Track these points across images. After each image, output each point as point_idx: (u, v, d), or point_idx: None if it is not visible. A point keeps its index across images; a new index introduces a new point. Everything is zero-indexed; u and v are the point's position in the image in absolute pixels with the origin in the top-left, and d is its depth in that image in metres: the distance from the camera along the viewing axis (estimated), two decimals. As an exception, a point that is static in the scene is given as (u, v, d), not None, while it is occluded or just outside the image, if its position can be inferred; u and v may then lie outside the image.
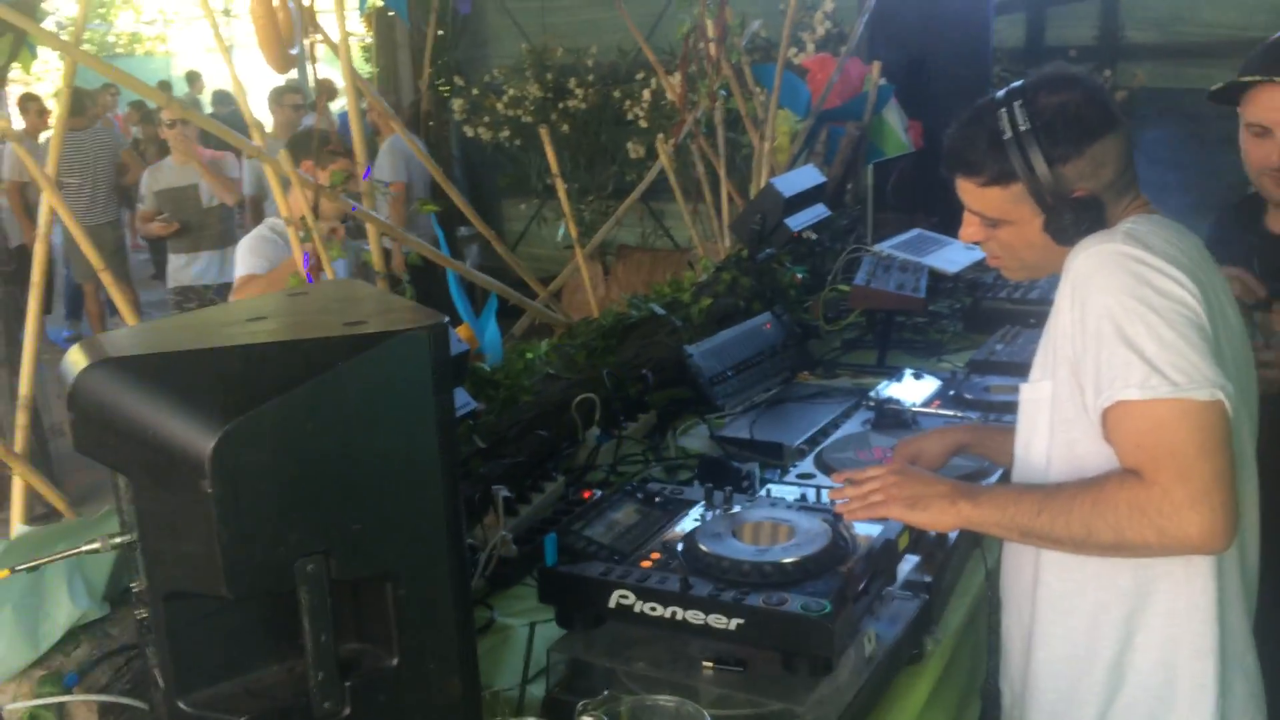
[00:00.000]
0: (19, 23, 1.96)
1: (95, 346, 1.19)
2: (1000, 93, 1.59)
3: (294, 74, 7.27)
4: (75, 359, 1.18)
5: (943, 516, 1.53)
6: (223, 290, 5.79)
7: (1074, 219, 1.53)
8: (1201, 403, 1.36)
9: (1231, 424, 1.39)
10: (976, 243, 1.68)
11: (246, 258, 3.61)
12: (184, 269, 6.08)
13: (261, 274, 3.48)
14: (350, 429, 1.18)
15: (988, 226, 1.63)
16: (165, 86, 14.11)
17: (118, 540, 1.24)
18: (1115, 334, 1.41)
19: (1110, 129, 1.55)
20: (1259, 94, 2.13)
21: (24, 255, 7.76)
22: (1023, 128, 1.53)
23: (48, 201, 1.80)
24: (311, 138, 3.54)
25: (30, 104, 8.47)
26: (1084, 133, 1.54)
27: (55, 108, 7.77)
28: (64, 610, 1.48)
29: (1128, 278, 1.43)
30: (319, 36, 2.22)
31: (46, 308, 6.98)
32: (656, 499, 1.76)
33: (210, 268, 6.12)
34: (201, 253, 6.13)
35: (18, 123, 8.34)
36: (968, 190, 1.62)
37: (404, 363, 1.21)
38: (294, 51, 1.79)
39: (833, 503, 1.64)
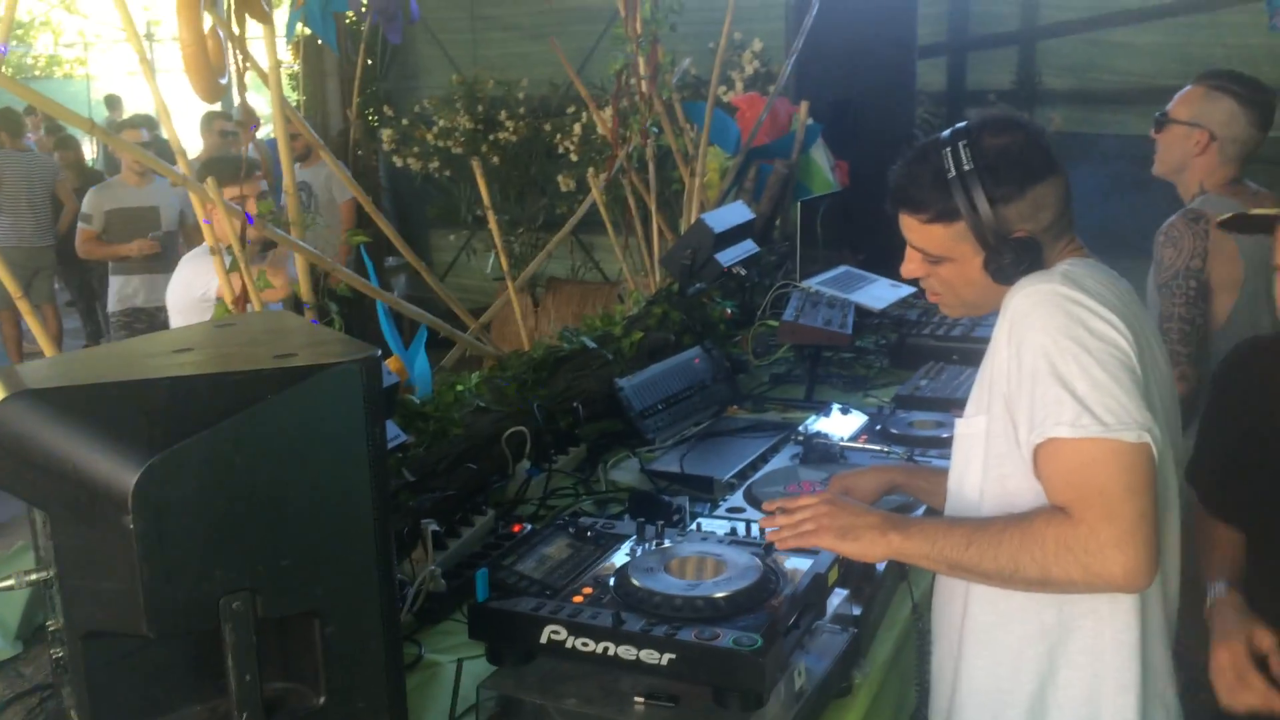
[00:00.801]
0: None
1: (13, 378, 1.16)
2: (946, 132, 1.62)
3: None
4: (-8, 391, 1.15)
5: (873, 547, 1.55)
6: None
7: (1013, 259, 1.57)
8: (1129, 444, 1.40)
9: (1157, 465, 1.42)
10: (917, 278, 1.71)
11: (200, 273, 3.54)
12: (138, 291, 5.87)
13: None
14: (279, 463, 1.17)
15: (929, 263, 1.66)
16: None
17: (33, 577, 1.20)
18: (1049, 372, 1.44)
19: (1050, 173, 1.59)
20: None
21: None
22: (966, 167, 1.56)
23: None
24: (228, 164, 3.49)
25: None
26: (1025, 175, 1.57)
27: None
28: (-27, 650, 1.43)
29: (1064, 318, 1.46)
30: (247, 64, 2.20)
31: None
32: (588, 533, 1.75)
33: (160, 290, 5.95)
34: (157, 275, 5.97)
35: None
36: (911, 226, 1.65)
37: (335, 396, 1.20)
38: (223, 80, 1.78)
39: (764, 532, 1.65)
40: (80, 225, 6.14)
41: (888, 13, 5.30)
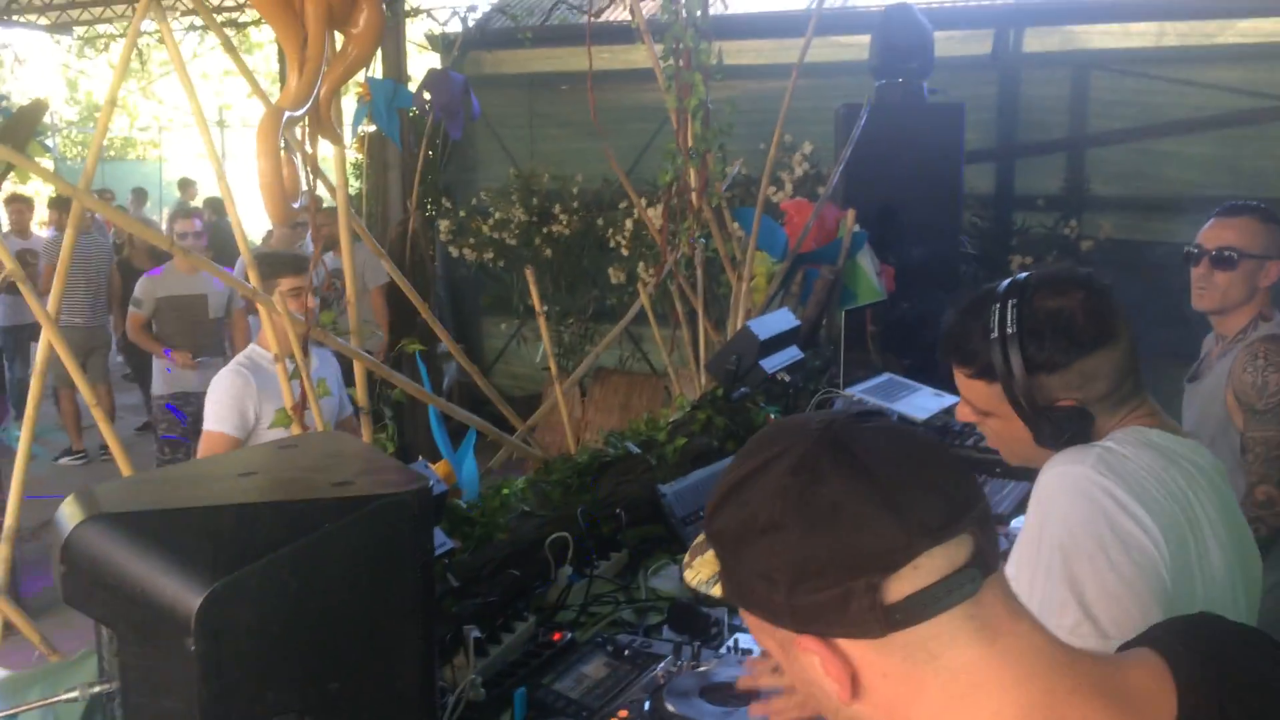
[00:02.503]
0: (17, 162, 2.04)
1: (90, 501, 1.24)
2: (1003, 285, 1.56)
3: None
4: (70, 512, 1.22)
5: None
6: None
7: (1053, 429, 1.50)
8: None
9: None
10: (972, 423, 1.66)
11: (214, 404, 3.53)
12: (179, 376, 6.01)
13: (228, 434, 3.44)
14: (333, 589, 1.22)
15: (977, 414, 1.62)
16: (141, 194, 14.36)
17: (96, 690, 1.26)
18: (1061, 570, 1.37)
19: (1105, 343, 1.49)
20: None
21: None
22: (1010, 330, 1.49)
23: (45, 339, 1.86)
24: (280, 258, 3.57)
25: (14, 203, 8.63)
26: (1072, 344, 1.48)
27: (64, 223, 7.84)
28: (34, 754, 1.48)
29: (1087, 510, 1.38)
30: (317, 178, 2.32)
31: None
32: (625, 651, 1.79)
33: (206, 375, 6.07)
34: (203, 359, 6.13)
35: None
36: (958, 377, 1.62)
37: (388, 524, 1.26)
38: (296, 205, 1.89)
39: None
40: (131, 309, 6.28)
41: (936, 119, 5.42)
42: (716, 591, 0.95)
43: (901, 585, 0.82)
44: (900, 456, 0.87)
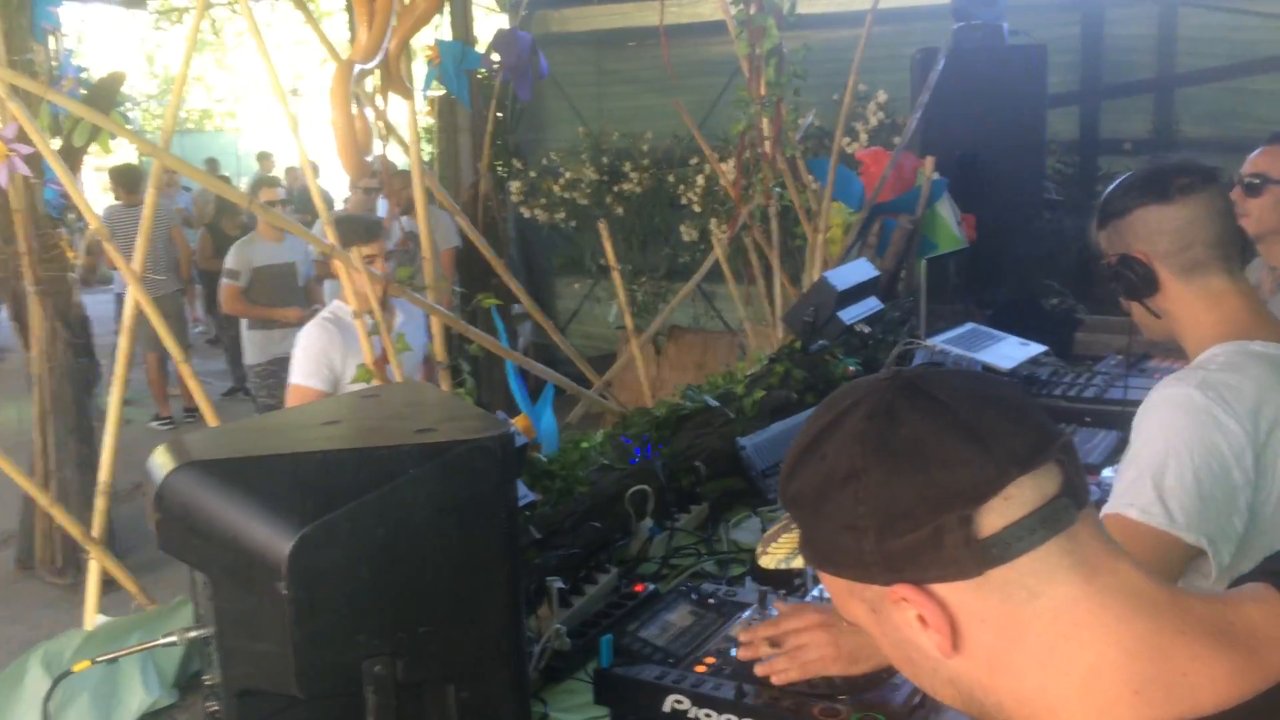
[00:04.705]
0: (103, 124, 2.06)
1: (181, 449, 1.25)
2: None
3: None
4: (161, 460, 1.24)
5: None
6: None
7: (1115, 273, 1.67)
8: (1185, 544, 1.46)
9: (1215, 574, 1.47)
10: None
11: (301, 357, 3.57)
12: (278, 343, 6.08)
13: (314, 387, 3.45)
14: (419, 534, 1.23)
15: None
16: (213, 164, 14.43)
17: (193, 635, 1.29)
18: (1149, 460, 1.52)
19: (1158, 199, 1.63)
20: None
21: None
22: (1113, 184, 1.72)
23: (133, 296, 1.89)
24: (357, 223, 3.57)
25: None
26: (1131, 194, 1.66)
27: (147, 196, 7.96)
28: (137, 698, 1.52)
29: (1185, 421, 1.53)
30: (390, 135, 2.32)
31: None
32: (710, 600, 1.78)
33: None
34: (294, 327, 6.24)
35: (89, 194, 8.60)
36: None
37: (472, 470, 1.26)
38: (369, 159, 1.89)
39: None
40: (226, 281, 6.34)
41: (1017, 63, 5.25)
42: (798, 563, 0.94)
43: (994, 518, 0.79)
44: (976, 393, 0.85)
